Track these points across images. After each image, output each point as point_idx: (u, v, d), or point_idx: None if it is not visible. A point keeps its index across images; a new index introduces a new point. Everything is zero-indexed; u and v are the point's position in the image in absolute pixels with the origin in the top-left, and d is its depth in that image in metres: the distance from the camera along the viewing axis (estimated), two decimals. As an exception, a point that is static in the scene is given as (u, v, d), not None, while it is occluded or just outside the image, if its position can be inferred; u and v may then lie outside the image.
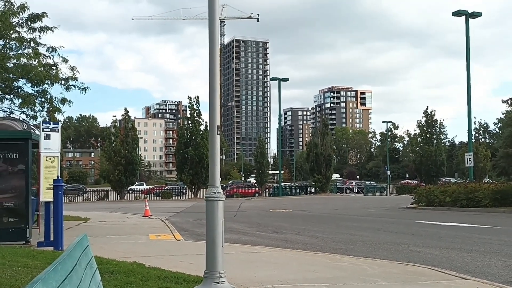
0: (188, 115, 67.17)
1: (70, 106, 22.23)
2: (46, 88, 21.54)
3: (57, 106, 21.60)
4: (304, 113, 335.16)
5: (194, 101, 63.65)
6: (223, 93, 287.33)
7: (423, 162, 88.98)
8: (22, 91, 21.64)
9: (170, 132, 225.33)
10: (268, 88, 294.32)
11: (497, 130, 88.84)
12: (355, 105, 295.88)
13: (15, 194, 13.98)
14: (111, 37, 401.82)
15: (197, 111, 63.83)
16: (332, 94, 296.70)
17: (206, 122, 62.66)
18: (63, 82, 21.68)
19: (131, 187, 69.34)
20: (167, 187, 79.60)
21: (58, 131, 13.74)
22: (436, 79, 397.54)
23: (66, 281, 2.53)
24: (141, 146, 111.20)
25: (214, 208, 7.55)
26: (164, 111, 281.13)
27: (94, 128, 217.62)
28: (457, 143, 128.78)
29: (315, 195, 67.34)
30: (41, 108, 21.75)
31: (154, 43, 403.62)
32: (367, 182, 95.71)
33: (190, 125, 63.92)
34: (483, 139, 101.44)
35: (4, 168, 13.99)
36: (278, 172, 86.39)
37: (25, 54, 21.13)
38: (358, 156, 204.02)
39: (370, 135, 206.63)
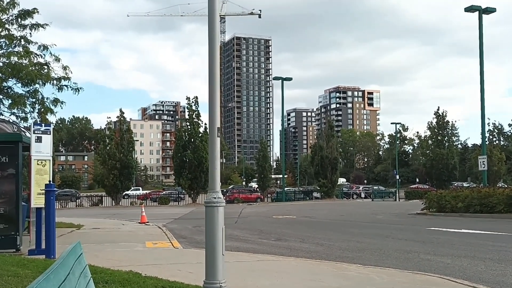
0: (187, 117, 67.20)
1: (62, 108, 22.28)
2: (37, 88, 21.57)
3: (49, 107, 21.62)
4: (309, 114, 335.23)
5: (193, 102, 63.69)
6: (223, 93, 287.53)
7: (434, 165, 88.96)
8: (12, 92, 21.67)
9: (168, 134, 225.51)
10: (270, 88, 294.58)
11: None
12: (362, 105, 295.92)
13: (5, 200, 13.99)
14: (106, 35, 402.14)
15: (196, 112, 63.84)
16: (338, 94, 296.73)
17: (205, 124, 62.65)
18: (55, 82, 21.70)
19: (127, 192, 69.28)
20: (164, 192, 79.58)
21: (50, 134, 13.76)
22: (447, 78, 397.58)
23: (59, 290, 2.53)
24: (137, 149, 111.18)
25: (214, 214, 7.55)
26: (161, 112, 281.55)
27: (87, 130, 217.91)
28: (470, 145, 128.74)
29: (320, 201, 67.25)
30: (32, 109, 21.79)
31: (152, 41, 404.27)
32: (375, 187, 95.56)
33: (189, 127, 63.94)
34: (497, 141, 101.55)
35: (-7, 173, 13.99)
36: (281, 176, 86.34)
37: (15, 53, 21.15)
38: (366, 160, 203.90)
39: (378, 137, 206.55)
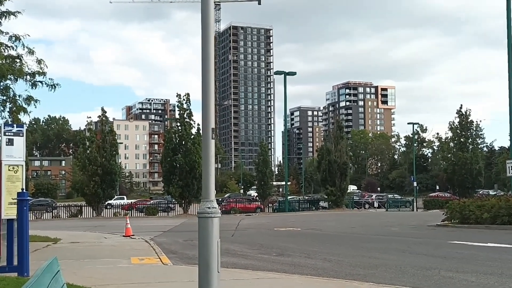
0: (177, 116, 67.11)
1: (36, 106, 22.27)
2: (8, 85, 21.56)
3: (22, 105, 21.61)
4: (315, 113, 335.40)
5: (184, 99, 63.66)
6: (218, 90, 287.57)
7: (456, 171, 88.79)
8: (-21, 88, 21.66)
9: (156, 136, 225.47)
10: (271, 84, 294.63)
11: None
12: (375, 103, 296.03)
13: (-28, 210, 13.96)
14: (86, 24, 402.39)
15: (188, 111, 63.83)
16: (347, 90, 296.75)
17: (198, 125, 62.63)
18: (28, 77, 21.70)
19: (110, 201, 69.16)
20: (152, 202, 79.47)
21: (22, 135, 13.75)
22: (471, 72, 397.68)
23: (33, 312, 2.53)
24: (121, 153, 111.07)
25: (208, 226, 7.54)
26: (148, 111, 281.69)
27: (65, 131, 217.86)
28: (496, 148, 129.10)
29: (327, 211, 67.22)
30: (2, 108, 21.78)
31: (137, 31, 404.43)
32: (389, 195, 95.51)
33: (179, 127, 63.91)
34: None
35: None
36: (283, 183, 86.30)
37: (-17, 44, 21.16)
38: (379, 164, 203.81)
39: (393, 139, 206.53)
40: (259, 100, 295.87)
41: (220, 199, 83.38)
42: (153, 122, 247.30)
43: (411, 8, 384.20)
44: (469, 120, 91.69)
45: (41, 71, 21.92)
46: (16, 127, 13.88)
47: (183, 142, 62.84)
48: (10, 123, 16.28)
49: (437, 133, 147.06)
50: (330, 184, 69.62)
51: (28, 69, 21.77)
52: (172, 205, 69.18)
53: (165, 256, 18.12)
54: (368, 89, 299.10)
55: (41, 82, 22.00)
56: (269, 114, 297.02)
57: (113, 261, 16.74)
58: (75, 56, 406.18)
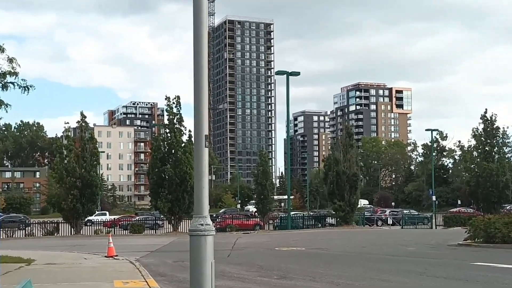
0: (166, 122, 67.09)
1: (7, 111, 22.25)
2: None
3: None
4: (321, 118, 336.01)
5: (173, 103, 63.59)
6: (213, 92, 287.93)
7: (481, 183, 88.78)
8: None
9: (142, 144, 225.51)
10: (272, 85, 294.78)
11: None
12: (389, 107, 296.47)
13: None
14: (63, 18, 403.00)
15: (178, 116, 63.74)
16: (358, 93, 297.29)
17: (190, 131, 62.56)
18: (-2, 78, 21.70)
19: (90, 217, 68.99)
20: (137, 218, 79.46)
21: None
22: (497, 72, 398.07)
23: None
24: (103, 163, 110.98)
25: (201, 245, 7.56)
26: (133, 116, 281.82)
27: (40, 139, 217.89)
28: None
29: (335, 228, 67.21)
30: (-31, 113, 21.81)
31: (121, 26, 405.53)
32: (405, 211, 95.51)
33: (169, 134, 63.85)
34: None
35: None
36: (286, 197, 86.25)
37: None
38: (394, 176, 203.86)
39: (409, 148, 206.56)
40: (258, 104, 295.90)
41: (214, 215, 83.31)
42: (139, 128, 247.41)
43: None
44: (495, 126, 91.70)
45: (12, 71, 21.94)
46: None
47: (173, 151, 62.77)
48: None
49: (459, 141, 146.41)
50: (338, 198, 69.57)
51: (-2, 68, 21.79)
52: (160, 222, 69.13)
53: (153, 279, 18.11)
54: (381, 91, 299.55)
55: (12, 83, 22.01)
56: (270, 119, 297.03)
57: (94, 284, 16.74)
58: (51, 54, 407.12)
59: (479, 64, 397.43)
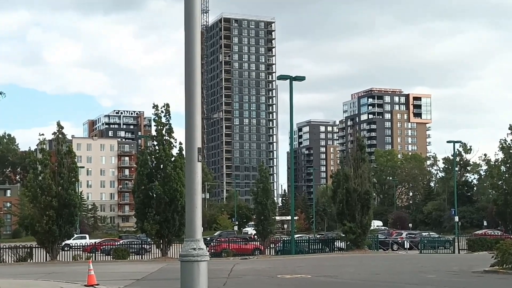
0: (154, 133, 67.23)
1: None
2: None
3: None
4: (329, 129, 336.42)
5: (162, 111, 63.63)
6: (206, 99, 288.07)
7: (509, 202, 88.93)
8: None
9: (126, 158, 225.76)
10: (274, 91, 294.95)
11: None
12: (405, 116, 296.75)
13: None
14: (37, 16, 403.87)
15: (167, 127, 63.75)
16: (370, 100, 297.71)
17: (181, 143, 62.59)
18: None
19: (68, 241, 69.01)
20: (122, 242, 79.41)
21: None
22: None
23: None
24: (82, 179, 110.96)
25: (193, 272, 7.56)
26: (117, 126, 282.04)
27: (11, 152, 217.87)
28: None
29: (345, 253, 67.19)
30: None
31: (103, 25, 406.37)
32: (424, 233, 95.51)
33: (157, 147, 63.86)
34: None
35: None
36: (289, 218, 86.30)
37: None
38: (411, 194, 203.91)
39: (428, 162, 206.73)
40: (258, 112, 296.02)
41: (208, 238, 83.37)
42: (123, 140, 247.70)
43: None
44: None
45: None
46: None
47: (162, 166, 62.74)
48: None
49: (485, 154, 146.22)
50: (349, 219, 69.54)
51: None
52: (147, 246, 69.09)
53: (139, 311, 18.14)
54: (396, 98, 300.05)
55: (-19, 90, 22.06)
56: (271, 130, 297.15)
57: (72, 317, 16.76)
58: (23, 56, 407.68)
59: (507, 67, 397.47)
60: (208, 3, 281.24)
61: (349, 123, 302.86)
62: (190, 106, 7.95)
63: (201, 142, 7.89)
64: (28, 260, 61.77)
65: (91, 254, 66.45)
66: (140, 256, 66.72)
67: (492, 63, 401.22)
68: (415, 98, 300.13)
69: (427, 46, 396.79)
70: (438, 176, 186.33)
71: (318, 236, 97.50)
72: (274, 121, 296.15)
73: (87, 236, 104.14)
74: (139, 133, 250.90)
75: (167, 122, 63.65)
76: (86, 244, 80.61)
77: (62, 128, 64.31)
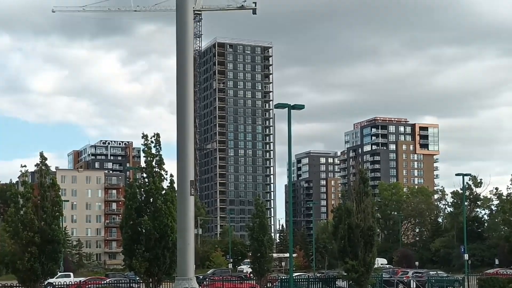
0: (143, 164, 67.25)
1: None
2: None
3: None
4: (330, 160, 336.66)
5: (152, 142, 63.64)
6: (199, 129, 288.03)
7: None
8: None
9: (114, 191, 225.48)
10: (271, 120, 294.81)
11: None
12: (411, 147, 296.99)
13: None
14: (18, 41, 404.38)
15: (157, 158, 63.74)
16: (374, 130, 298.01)
17: (172, 176, 62.60)
18: None
19: (51, 280, 68.80)
20: (108, 281, 79.33)
21: None
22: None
23: None
24: (67, 214, 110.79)
25: (184, 314, 7.53)
26: (103, 158, 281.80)
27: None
28: None
29: (348, 293, 67.17)
30: None
31: (88, 50, 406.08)
32: (431, 272, 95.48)
33: (146, 180, 63.82)
34: None
35: None
36: (287, 255, 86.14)
37: None
38: (417, 230, 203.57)
39: (436, 196, 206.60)
40: (254, 143, 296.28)
41: (201, 277, 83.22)
42: (110, 172, 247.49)
43: (461, 19, 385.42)
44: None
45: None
46: None
47: (151, 199, 62.69)
48: None
49: (496, 188, 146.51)
50: (351, 257, 69.51)
51: None
52: (136, 285, 69.02)
53: None
54: (401, 128, 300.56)
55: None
56: (268, 161, 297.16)
57: None
58: (4, 83, 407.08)
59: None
60: (201, 27, 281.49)
61: (351, 154, 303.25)
62: (182, 137, 7.97)
63: (194, 175, 7.90)
64: (8, 300, 61.64)
65: (75, 294, 66.29)
66: (128, 296, 66.62)
67: (504, 92, 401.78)
68: (422, 128, 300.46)
69: (434, 73, 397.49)
70: (446, 211, 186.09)
71: (318, 274, 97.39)
72: (271, 152, 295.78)
73: (71, 274, 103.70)
74: (128, 165, 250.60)
75: (157, 153, 63.65)
76: (70, 283, 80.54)
77: (46, 159, 64.22)
